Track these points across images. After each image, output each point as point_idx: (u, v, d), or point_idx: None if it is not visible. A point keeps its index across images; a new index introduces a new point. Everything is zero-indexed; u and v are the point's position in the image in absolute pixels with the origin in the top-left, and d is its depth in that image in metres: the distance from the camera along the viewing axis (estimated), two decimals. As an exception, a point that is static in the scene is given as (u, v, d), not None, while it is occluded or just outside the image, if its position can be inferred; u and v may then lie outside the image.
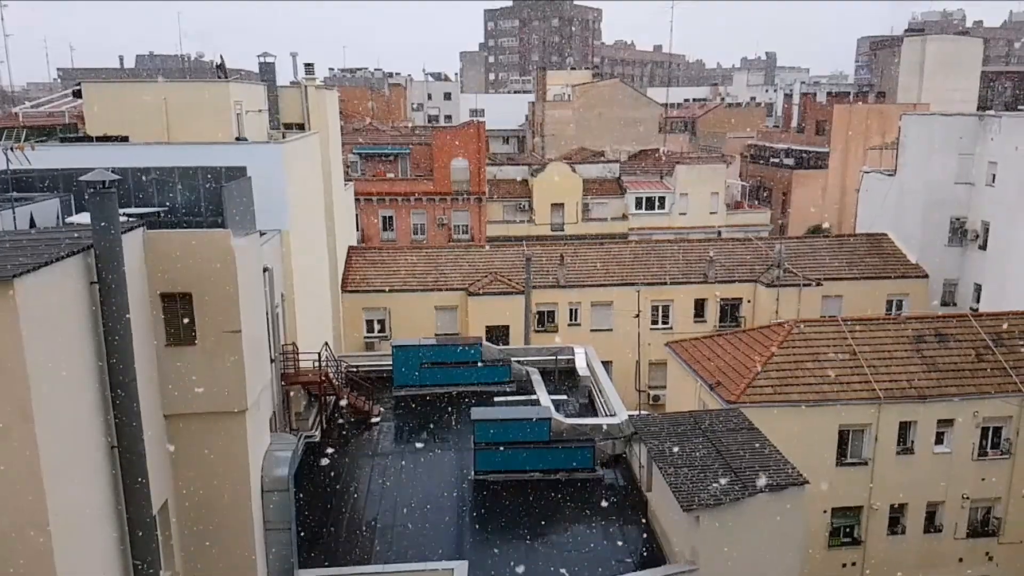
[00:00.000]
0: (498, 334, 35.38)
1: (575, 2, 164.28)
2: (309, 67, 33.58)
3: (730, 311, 38.75)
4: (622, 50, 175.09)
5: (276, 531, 14.42)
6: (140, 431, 11.17)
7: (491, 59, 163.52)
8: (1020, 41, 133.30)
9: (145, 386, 11.56)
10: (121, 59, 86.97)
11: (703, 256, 39.48)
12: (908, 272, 39.25)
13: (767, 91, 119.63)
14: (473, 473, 19.68)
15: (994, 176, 36.61)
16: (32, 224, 14.93)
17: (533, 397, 23.77)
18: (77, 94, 26.77)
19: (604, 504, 18.72)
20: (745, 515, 15.16)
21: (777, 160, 67.19)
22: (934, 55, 70.11)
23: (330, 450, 21.24)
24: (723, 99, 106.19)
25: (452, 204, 50.19)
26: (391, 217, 50.04)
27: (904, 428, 25.30)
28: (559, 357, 27.16)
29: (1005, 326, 27.38)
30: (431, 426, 23.12)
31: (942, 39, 75.25)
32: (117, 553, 11.23)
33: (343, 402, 23.36)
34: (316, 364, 21.88)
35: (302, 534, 16.08)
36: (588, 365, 26.24)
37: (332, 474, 20.17)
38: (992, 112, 45.08)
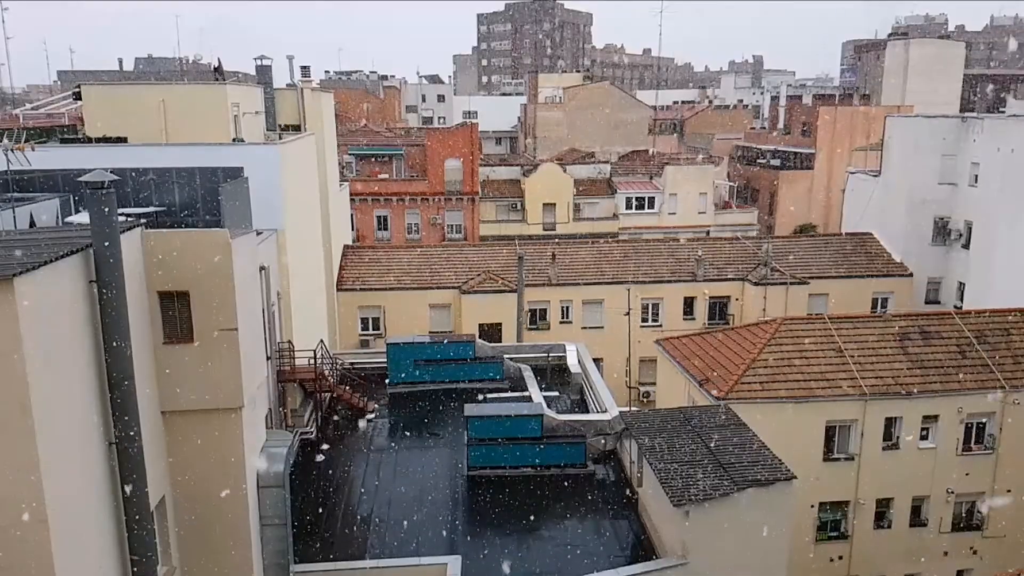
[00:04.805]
0: (491, 332, 35.61)
1: (566, 6, 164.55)
2: (305, 70, 33.80)
3: (719, 309, 39.14)
4: (612, 53, 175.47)
5: (272, 526, 14.53)
6: (138, 427, 11.23)
7: (484, 62, 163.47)
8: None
9: (143, 383, 11.62)
10: (120, 62, 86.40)
11: (692, 255, 39.86)
12: (893, 271, 39.76)
13: (754, 93, 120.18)
14: (466, 469, 19.83)
15: (976, 176, 37.17)
16: (32, 224, 15.02)
17: (525, 394, 23.92)
18: (77, 96, 26.86)
19: (595, 499, 18.95)
20: (734, 510, 15.36)
21: (764, 161, 67.61)
22: (917, 58, 70.77)
23: (325, 446, 21.39)
24: (711, 101, 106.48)
25: (446, 204, 50.42)
26: (386, 217, 50.23)
27: (889, 424, 25.66)
28: (551, 354, 27.37)
29: (988, 323, 27.87)
30: (425, 422, 23.27)
31: (925, 42, 75.87)
32: (115, 548, 11.29)
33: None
34: (311, 361, 22.01)
35: (297, 529, 16.21)
36: (579, 362, 26.47)
37: (327, 470, 20.32)
38: (974, 114, 45.72)
